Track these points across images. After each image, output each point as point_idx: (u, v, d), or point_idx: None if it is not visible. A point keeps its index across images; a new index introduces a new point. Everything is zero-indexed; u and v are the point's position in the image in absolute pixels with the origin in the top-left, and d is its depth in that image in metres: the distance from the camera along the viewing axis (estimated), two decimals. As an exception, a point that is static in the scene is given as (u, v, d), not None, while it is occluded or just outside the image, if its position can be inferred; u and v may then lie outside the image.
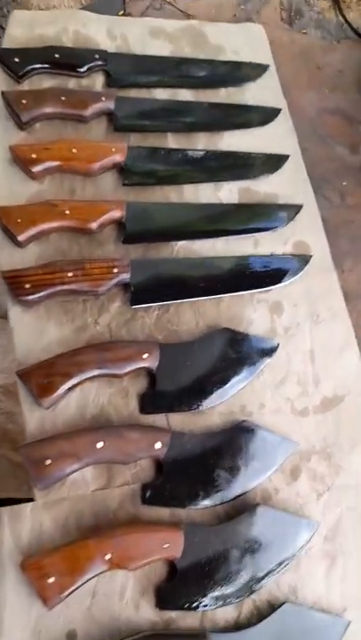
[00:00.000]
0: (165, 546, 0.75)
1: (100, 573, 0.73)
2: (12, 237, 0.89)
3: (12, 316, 0.87)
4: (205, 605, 0.76)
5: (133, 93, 1.09)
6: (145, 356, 0.84)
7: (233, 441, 0.85)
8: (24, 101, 0.97)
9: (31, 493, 0.78)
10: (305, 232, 1.03)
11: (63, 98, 1.00)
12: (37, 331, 0.87)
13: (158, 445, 0.80)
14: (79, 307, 0.90)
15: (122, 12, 1.15)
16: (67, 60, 1.05)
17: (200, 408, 0.86)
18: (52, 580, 0.70)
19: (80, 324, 0.89)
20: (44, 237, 0.92)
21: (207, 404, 0.87)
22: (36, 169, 0.94)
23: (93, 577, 0.72)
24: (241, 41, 1.21)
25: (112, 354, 0.83)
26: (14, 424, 1.34)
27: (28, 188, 0.96)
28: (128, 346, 0.85)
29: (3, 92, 0.98)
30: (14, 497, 1.25)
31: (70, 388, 0.81)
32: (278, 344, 0.92)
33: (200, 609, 0.76)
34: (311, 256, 1.00)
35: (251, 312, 0.95)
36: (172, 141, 1.06)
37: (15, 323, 0.87)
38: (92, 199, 0.98)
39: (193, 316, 0.93)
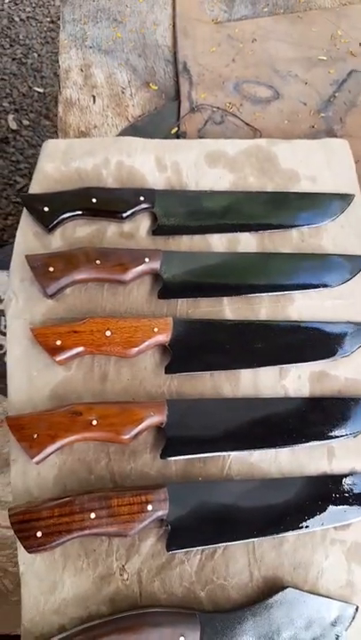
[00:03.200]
0: None
1: None
2: (27, 455, 0.73)
3: (20, 559, 0.72)
4: None
5: (183, 242, 0.91)
6: (182, 638, 0.66)
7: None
8: (51, 269, 0.81)
9: None
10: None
11: (98, 262, 0.83)
12: (50, 582, 0.71)
13: None
14: (103, 546, 0.73)
15: (175, 130, 0.97)
16: (106, 205, 0.89)
17: None
18: None
19: (103, 571, 0.72)
20: (66, 447, 0.76)
21: None
22: (61, 357, 0.78)
23: None
24: (319, 163, 1.00)
25: (139, 637, 0.66)
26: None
27: (51, 376, 0.81)
28: (160, 624, 0.67)
29: (27, 257, 0.82)
30: None
31: None
32: (357, 607, 0.72)
33: None
34: None
35: (322, 558, 0.75)
36: (227, 308, 0.87)
37: (24, 570, 0.71)
38: (127, 388, 0.81)
39: (247, 562, 0.74)
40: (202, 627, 0.68)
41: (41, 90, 2.44)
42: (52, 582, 0.71)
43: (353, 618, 0.72)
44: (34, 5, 2.63)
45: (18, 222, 0.88)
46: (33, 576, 0.71)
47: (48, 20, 2.61)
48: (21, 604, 0.70)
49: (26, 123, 2.36)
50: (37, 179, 0.92)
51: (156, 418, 0.77)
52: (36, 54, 2.50)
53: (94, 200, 0.88)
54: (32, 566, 0.71)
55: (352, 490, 0.78)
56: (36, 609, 0.70)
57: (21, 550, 0.72)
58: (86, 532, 0.70)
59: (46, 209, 0.87)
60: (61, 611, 0.70)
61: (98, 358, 0.83)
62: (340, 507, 0.77)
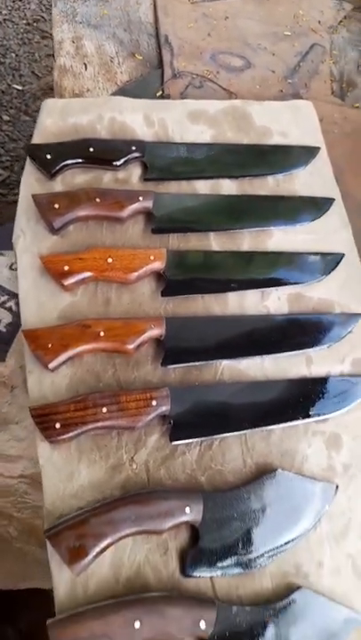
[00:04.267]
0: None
1: None
2: (41, 362, 0.82)
3: (40, 453, 0.80)
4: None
5: (172, 186, 1.01)
6: (187, 509, 0.75)
7: (288, 613, 0.75)
8: (56, 206, 0.91)
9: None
10: (364, 347, 0.93)
11: (98, 200, 0.93)
12: (67, 472, 0.79)
13: (203, 625, 0.70)
14: (113, 441, 0.82)
15: (160, 93, 1.08)
16: (102, 153, 0.98)
17: (249, 569, 0.77)
18: None
19: (114, 462, 0.80)
20: (77, 359, 0.85)
21: (256, 564, 0.77)
22: (69, 282, 0.87)
23: None
24: (288, 121, 1.12)
25: (151, 508, 0.75)
26: (42, 519, 1.28)
27: (59, 301, 0.89)
28: (169, 497, 0.76)
29: (34, 196, 0.91)
30: (39, 587, 1.20)
31: (103, 549, 0.72)
32: (337, 486, 0.82)
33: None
34: (372, 378, 0.90)
35: (305, 447, 0.85)
36: (214, 241, 0.98)
37: (44, 462, 0.79)
38: (128, 310, 0.90)
39: (240, 451, 0.83)
40: (204, 502, 0.77)
41: (20, 87, 2.53)
42: (70, 472, 0.79)
43: (334, 496, 0.83)
44: (10, 8, 2.73)
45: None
46: (52, 467, 0.79)
47: (24, 22, 2.71)
48: (43, 492, 0.78)
49: (6, 118, 2.44)
50: (38, 133, 1.01)
51: (155, 330, 0.86)
52: (13, 54, 2.59)
53: (91, 149, 0.98)
54: (50, 459, 0.79)
55: (328, 390, 0.89)
56: (56, 494, 0.78)
57: (40, 446, 0.80)
58: (99, 424, 0.79)
59: (49, 157, 0.96)
60: (79, 495, 0.78)
61: (101, 285, 0.92)
62: (319, 404, 0.88)
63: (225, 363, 0.89)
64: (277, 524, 0.79)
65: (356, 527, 0.82)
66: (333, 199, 1.04)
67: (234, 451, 0.84)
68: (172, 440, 0.81)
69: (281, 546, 0.78)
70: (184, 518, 0.75)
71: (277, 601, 0.75)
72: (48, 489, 0.78)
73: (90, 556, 0.71)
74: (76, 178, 0.99)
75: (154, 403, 0.81)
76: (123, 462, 0.81)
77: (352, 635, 0.75)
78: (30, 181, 0.98)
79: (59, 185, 0.98)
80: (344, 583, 0.79)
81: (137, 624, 0.68)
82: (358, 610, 0.77)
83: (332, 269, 0.98)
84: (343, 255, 0.99)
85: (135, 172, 1.02)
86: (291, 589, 0.76)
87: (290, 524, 0.80)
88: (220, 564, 0.76)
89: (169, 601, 0.72)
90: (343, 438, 0.87)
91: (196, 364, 0.88)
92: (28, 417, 0.79)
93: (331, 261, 0.99)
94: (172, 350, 0.87)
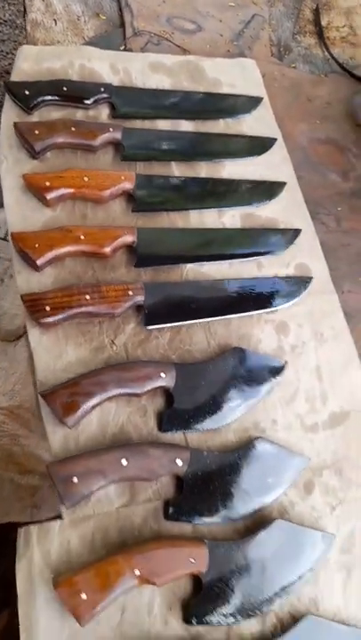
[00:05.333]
0: (191, 560, 0.78)
1: (130, 588, 0.75)
2: (29, 262, 0.93)
3: (31, 339, 0.90)
4: (232, 620, 0.79)
5: (137, 124, 1.15)
6: (162, 375, 0.88)
7: (249, 457, 0.89)
8: (36, 132, 1.02)
9: (34, 517, 0.80)
10: (305, 255, 1.09)
11: (73, 128, 1.04)
12: (56, 352, 0.89)
13: (179, 462, 0.83)
14: (95, 328, 0.93)
15: (123, 48, 1.21)
16: (74, 92, 1.10)
17: (216, 426, 0.90)
18: (84, 596, 0.72)
19: (97, 344, 0.92)
20: (59, 262, 0.96)
21: (222, 421, 0.90)
22: (50, 196, 0.98)
23: (123, 592, 0.74)
24: (236, 75, 1.28)
25: (132, 373, 0.87)
26: (19, 446, 1.35)
27: (41, 215, 1.00)
28: (146, 366, 0.89)
29: (16, 124, 1.02)
30: (17, 521, 1.25)
31: (93, 407, 0.84)
32: (286, 362, 0.97)
33: (225, 624, 0.78)
34: (312, 278, 1.06)
35: (259, 332, 1.00)
36: (176, 170, 1.12)
37: (35, 345, 0.89)
38: (102, 224, 1.02)
39: (204, 336, 0.97)
40: (177, 370, 0.90)
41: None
42: (58, 352, 0.90)
43: (283, 370, 0.97)
44: None
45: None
46: (42, 349, 0.89)
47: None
48: (35, 369, 0.88)
49: None
50: (15, 75, 1.12)
51: (128, 237, 0.99)
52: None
53: (65, 88, 1.10)
54: (40, 343, 0.90)
55: (276, 288, 1.04)
56: (47, 369, 0.88)
57: (31, 332, 0.90)
58: (82, 309, 0.90)
59: (27, 92, 1.07)
60: (67, 369, 0.88)
61: (78, 203, 1.03)
62: (269, 298, 1.03)
63: (189, 266, 1.02)
64: (239, 390, 0.93)
65: (302, 393, 0.97)
66: (276, 139, 1.21)
67: (199, 335, 0.97)
68: (146, 325, 0.94)
69: (244, 406, 0.92)
70: (160, 382, 0.88)
71: (240, 449, 0.89)
72: (39, 365, 0.88)
73: (81, 411, 0.82)
74: (51, 114, 1.10)
75: (130, 293, 0.93)
76: (104, 345, 0.93)
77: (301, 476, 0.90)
78: (10, 115, 1.08)
79: (36, 119, 1.09)
80: (295, 436, 0.94)
81: (124, 461, 0.80)
82: (306, 455, 0.92)
83: (277, 195, 1.14)
84: (285, 183, 1.16)
85: (104, 111, 1.15)
86: (251, 440, 0.90)
87: (250, 390, 0.94)
88: (191, 422, 0.89)
89: (151, 444, 0.85)
90: (290, 325, 1.02)
91: (165, 267, 1.01)
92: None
93: (276, 188, 1.15)
94: (143, 255, 0.99)
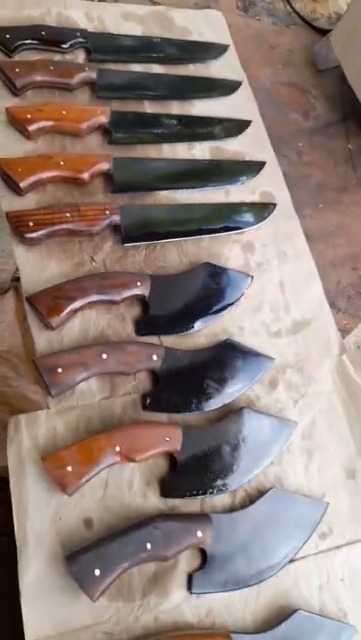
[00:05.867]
0: (167, 439, 0.86)
1: (111, 465, 0.83)
2: (13, 185, 0.99)
3: (17, 255, 0.96)
4: (204, 493, 0.87)
5: (111, 67, 1.21)
6: (138, 284, 0.95)
7: (219, 356, 0.97)
8: (17, 70, 1.08)
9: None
10: (269, 184, 1.17)
11: (52, 67, 1.11)
12: (40, 267, 0.97)
13: (155, 357, 0.91)
14: (76, 246, 1.00)
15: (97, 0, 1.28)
16: (52, 36, 1.16)
17: (188, 331, 0.98)
18: (69, 468, 0.80)
19: (78, 260, 0.99)
20: (41, 187, 1.03)
21: (194, 327, 0.99)
22: (31, 127, 1.04)
23: (105, 468, 0.82)
24: (203, 25, 1.36)
25: (110, 281, 0.95)
26: (9, 387, 1.41)
27: (23, 147, 1.06)
28: (124, 275, 0.97)
29: (1, 62, 1.09)
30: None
31: (74, 311, 0.91)
32: (253, 276, 1.06)
33: (199, 497, 0.87)
34: (276, 204, 1.15)
35: (227, 251, 1.08)
36: (148, 108, 1.19)
37: (20, 261, 0.96)
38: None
39: (177, 254, 1.05)
40: (151, 281, 0.97)
41: None
42: (42, 266, 0.96)
43: (250, 284, 1.06)
44: None
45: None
46: (27, 264, 0.95)
47: None
48: (21, 281, 0.95)
49: None
50: (-4, 21, 1.18)
51: (105, 164, 1.05)
52: None
53: (43, 32, 1.16)
54: (26, 259, 0.96)
55: (242, 213, 1.12)
56: (32, 281, 0.94)
57: (17, 250, 0.97)
58: (63, 226, 0.97)
59: (7, 36, 1.13)
60: (51, 281, 0.93)
61: (57, 136, 1.10)
62: (237, 220, 1.11)
63: (162, 193, 1.10)
64: (209, 300, 1.01)
65: (267, 304, 1.05)
66: (241, 81, 1.29)
67: (172, 253, 1.05)
68: (123, 243, 1.01)
69: (214, 314, 1.01)
70: (136, 291, 0.95)
71: (211, 348, 0.97)
72: (25, 278, 0.95)
73: (64, 313, 0.90)
74: (30, 58, 1.17)
75: (107, 212, 1.00)
76: (85, 261, 1.00)
77: (266, 374, 0.99)
78: (-9, 58, 1.15)
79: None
80: (261, 340, 1.02)
81: (104, 355, 0.88)
82: (271, 356, 1.00)
83: (243, 131, 1.22)
84: (251, 121, 1.24)
85: (80, 56, 1.21)
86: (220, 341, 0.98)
87: (219, 300, 1.02)
88: (165, 327, 0.97)
89: (129, 342, 0.93)
90: (256, 245, 1.10)
91: (139, 193, 1.09)
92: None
93: (242, 125, 1.23)
94: (119, 182, 1.06)
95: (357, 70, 1.27)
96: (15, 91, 1.09)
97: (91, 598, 0.74)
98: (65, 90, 1.14)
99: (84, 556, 0.75)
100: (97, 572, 0.74)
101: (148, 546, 0.77)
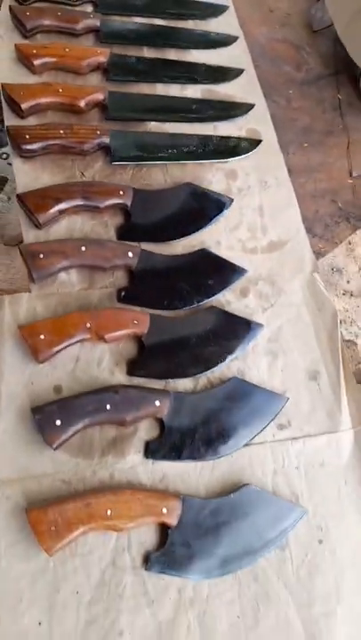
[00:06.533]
0: (135, 322, 0.93)
1: (82, 340, 0.90)
2: (15, 108, 1.10)
3: (14, 166, 1.07)
4: (167, 377, 0.93)
5: (116, 19, 1.33)
6: (121, 192, 1.04)
7: (194, 262, 1.04)
8: (28, 13, 1.20)
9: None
10: (256, 122, 1.25)
11: (59, 13, 1.23)
12: (34, 177, 1.06)
13: (131, 255, 0.99)
14: (68, 163, 1.10)
15: None
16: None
17: (166, 241, 1.06)
18: (42, 337, 0.88)
19: (69, 175, 1.09)
20: (41, 113, 1.13)
21: (172, 237, 1.06)
22: (37, 62, 1.16)
23: (76, 342, 0.89)
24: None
25: (95, 188, 1.03)
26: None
27: (29, 80, 1.18)
28: (108, 185, 1.06)
29: (11, 7, 1.21)
30: None
31: (61, 212, 1.00)
32: (233, 199, 1.13)
33: (162, 380, 0.93)
34: (261, 140, 1.22)
35: (210, 176, 1.16)
36: (147, 53, 1.29)
37: (17, 171, 1.06)
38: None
39: (162, 175, 1.13)
40: (134, 193, 1.06)
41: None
42: (35, 177, 1.05)
43: (228, 208, 1.13)
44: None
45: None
46: (23, 174, 1.06)
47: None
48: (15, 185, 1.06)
49: None
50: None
51: (100, 95, 1.15)
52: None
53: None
54: (22, 169, 1.06)
55: (227, 145, 1.20)
56: (25, 188, 1.04)
57: (15, 162, 1.07)
58: (57, 141, 1.06)
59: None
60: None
61: (60, 73, 1.21)
62: (222, 151, 1.19)
63: (153, 124, 1.19)
64: (189, 215, 1.08)
65: (245, 225, 1.12)
66: (238, 37, 1.38)
67: (158, 174, 1.13)
68: (112, 162, 1.10)
69: (192, 229, 1.08)
70: (118, 200, 1.03)
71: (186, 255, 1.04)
72: (20, 185, 1.05)
73: (51, 211, 0.99)
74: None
75: (98, 132, 1.10)
76: (75, 176, 1.09)
77: (238, 284, 1.05)
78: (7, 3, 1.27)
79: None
80: (236, 255, 1.08)
81: (83, 248, 0.96)
82: (244, 268, 1.06)
83: (235, 78, 1.31)
84: (243, 70, 1.32)
85: (88, 8, 1.33)
86: (196, 251, 1.05)
87: (198, 217, 1.09)
88: (145, 235, 1.05)
89: (108, 240, 1.01)
90: (238, 173, 1.17)
91: (131, 123, 1.18)
92: None
93: (235, 72, 1.31)
94: (112, 110, 1.16)
95: (347, 25, 1.34)
96: (25, 32, 1.21)
97: (50, 445, 0.81)
98: (71, 35, 1.26)
99: (48, 408, 0.82)
100: (58, 422, 0.81)
101: (108, 407, 0.84)
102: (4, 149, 1.05)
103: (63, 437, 0.81)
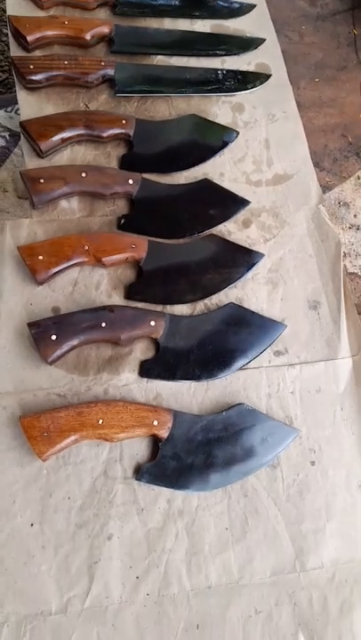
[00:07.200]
0: (133, 246, 0.93)
1: (81, 263, 0.91)
2: (21, 40, 1.10)
3: (19, 99, 1.07)
4: (164, 302, 0.94)
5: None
6: (123, 122, 1.04)
7: (195, 192, 1.04)
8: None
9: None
10: (266, 57, 1.22)
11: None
12: (39, 108, 1.07)
13: (131, 182, 0.99)
14: (73, 95, 1.10)
15: None
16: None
17: (169, 172, 1.05)
18: (41, 257, 0.89)
19: (73, 107, 1.09)
20: (47, 47, 1.13)
21: (175, 169, 1.05)
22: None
23: (74, 265, 0.91)
24: None
25: (97, 117, 1.03)
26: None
27: (36, 15, 1.18)
28: (110, 114, 1.05)
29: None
30: None
31: (63, 140, 1.00)
32: (238, 132, 1.11)
33: (159, 305, 0.93)
34: (270, 75, 1.19)
35: (216, 109, 1.14)
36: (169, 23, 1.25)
37: (21, 103, 1.07)
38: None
39: (167, 108, 1.12)
40: (136, 124, 1.05)
41: None
42: (40, 108, 1.06)
43: (233, 139, 1.11)
44: None
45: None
46: (27, 106, 1.06)
47: None
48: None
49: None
50: None
51: (106, 28, 1.14)
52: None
53: None
54: (26, 101, 1.07)
55: (235, 78, 1.18)
56: (29, 117, 1.06)
57: (20, 93, 1.08)
58: (61, 72, 1.06)
59: None
60: None
61: (68, 9, 1.20)
62: (228, 84, 1.16)
63: (159, 57, 1.17)
64: (191, 146, 1.07)
65: (250, 157, 1.10)
66: (255, 5, 1.33)
67: (162, 106, 1.12)
68: (116, 94, 1.10)
69: (195, 160, 1.07)
70: (121, 129, 1.03)
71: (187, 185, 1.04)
72: (23, 115, 1.06)
73: (53, 139, 0.99)
74: None
75: (102, 64, 1.09)
76: (79, 107, 1.09)
77: (240, 215, 1.04)
78: None
79: None
80: (240, 187, 1.07)
81: (83, 174, 0.96)
82: (247, 199, 1.05)
83: (246, 12, 1.27)
84: (255, 5, 1.29)
85: None
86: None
87: (202, 147, 1.08)
88: (147, 167, 1.04)
89: (107, 167, 1.01)
90: (245, 106, 1.15)
91: (137, 56, 1.17)
92: None
93: (246, 7, 1.28)
94: (119, 43, 1.15)
95: None
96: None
97: (45, 359, 0.83)
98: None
99: (44, 322, 0.84)
100: (53, 337, 0.83)
101: (103, 324, 0.85)
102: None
103: (58, 352, 0.83)
